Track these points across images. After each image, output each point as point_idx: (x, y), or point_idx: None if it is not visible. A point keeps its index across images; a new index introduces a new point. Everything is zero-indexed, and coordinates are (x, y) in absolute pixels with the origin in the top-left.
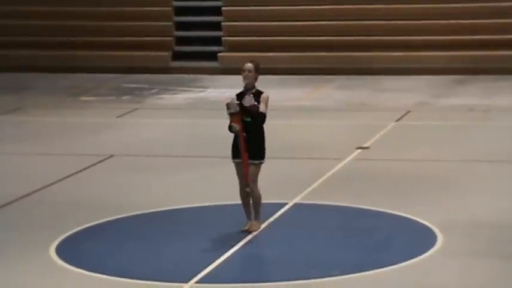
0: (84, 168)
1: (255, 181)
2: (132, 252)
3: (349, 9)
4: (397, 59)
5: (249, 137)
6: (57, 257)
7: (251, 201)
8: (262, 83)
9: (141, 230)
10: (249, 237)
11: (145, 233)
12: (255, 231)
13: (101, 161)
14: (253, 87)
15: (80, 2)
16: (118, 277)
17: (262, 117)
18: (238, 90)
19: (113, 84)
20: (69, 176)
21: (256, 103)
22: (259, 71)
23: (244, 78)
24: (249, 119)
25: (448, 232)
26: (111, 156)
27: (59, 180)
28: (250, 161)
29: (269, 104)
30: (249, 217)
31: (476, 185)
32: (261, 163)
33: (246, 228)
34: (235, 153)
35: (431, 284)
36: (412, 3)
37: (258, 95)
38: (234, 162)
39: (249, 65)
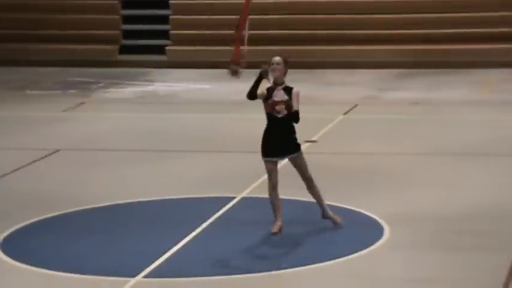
0: (30, 163)
1: (310, 174)
2: (79, 247)
3: (295, 3)
4: (344, 53)
5: (283, 131)
6: (1, 252)
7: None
8: (213, 76)
9: (89, 225)
10: (198, 230)
11: (93, 228)
12: (339, 222)
13: (47, 155)
14: (283, 82)
15: None
16: (66, 272)
17: (298, 115)
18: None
19: (59, 78)
20: (14, 170)
21: (288, 97)
22: (288, 64)
23: (273, 71)
24: (281, 115)
25: (395, 224)
26: (58, 150)
27: (4, 175)
28: (293, 155)
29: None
30: (277, 217)
31: (422, 178)
32: (302, 153)
33: (275, 230)
34: (268, 151)
35: (378, 275)
36: None
37: (288, 90)
38: (269, 161)
39: (277, 58)
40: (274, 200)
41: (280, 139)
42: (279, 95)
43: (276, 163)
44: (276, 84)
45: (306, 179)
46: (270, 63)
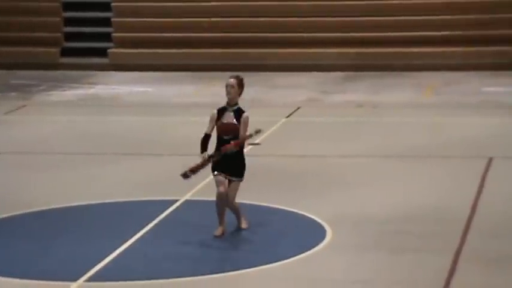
0: None
1: (234, 199)
2: (19, 251)
3: (240, 6)
4: (289, 55)
5: (228, 155)
6: None
7: (229, 211)
8: (156, 79)
9: (29, 229)
10: (141, 233)
11: (33, 232)
12: (247, 227)
13: None
14: (236, 103)
15: None
16: (5, 277)
17: (243, 143)
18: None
19: (0, 80)
20: None
21: (235, 121)
22: (243, 86)
23: (227, 93)
24: (228, 137)
25: (337, 226)
26: None
27: None
28: (229, 178)
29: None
30: (220, 222)
31: (365, 180)
32: (240, 181)
33: (218, 233)
34: (218, 167)
35: (320, 278)
36: (301, 1)
37: (239, 113)
38: (214, 174)
39: (232, 81)
40: (218, 207)
41: (223, 159)
42: (228, 117)
43: (223, 176)
44: (229, 105)
45: (230, 204)
46: (225, 86)
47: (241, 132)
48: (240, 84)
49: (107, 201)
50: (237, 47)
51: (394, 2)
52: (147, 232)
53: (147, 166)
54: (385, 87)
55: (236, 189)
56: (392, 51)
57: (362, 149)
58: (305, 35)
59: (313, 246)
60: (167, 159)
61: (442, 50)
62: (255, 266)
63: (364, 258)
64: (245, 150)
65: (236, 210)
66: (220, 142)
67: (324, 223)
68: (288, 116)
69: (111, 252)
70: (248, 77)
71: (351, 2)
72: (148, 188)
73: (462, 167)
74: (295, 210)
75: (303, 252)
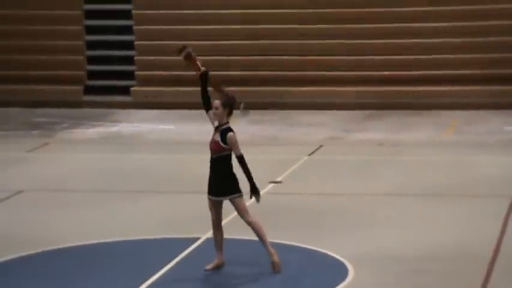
0: None
1: (246, 212)
2: None
3: (260, 44)
4: (310, 93)
5: (216, 174)
6: None
7: (258, 235)
8: (178, 117)
9: (50, 267)
10: (160, 273)
11: (53, 271)
12: (277, 268)
13: (10, 197)
14: (225, 123)
15: None
16: None
17: (240, 159)
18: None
19: (23, 118)
20: None
21: (220, 140)
22: (229, 105)
23: (214, 115)
24: (215, 156)
25: (358, 265)
26: (21, 191)
27: None
28: (221, 198)
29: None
30: (218, 255)
31: (386, 219)
32: (240, 196)
33: (210, 267)
34: (210, 189)
35: None
36: (323, 39)
37: (223, 133)
38: (208, 198)
39: (216, 102)
40: (214, 237)
41: (212, 179)
42: (216, 136)
43: (214, 201)
44: (220, 125)
45: (246, 223)
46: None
47: (235, 153)
48: (226, 104)
49: (127, 239)
50: (257, 85)
51: (414, 40)
52: (167, 271)
53: (168, 204)
54: (405, 125)
55: (240, 205)
56: (413, 89)
57: (383, 188)
58: (325, 73)
59: (335, 285)
60: (188, 197)
61: (462, 89)
62: None
63: None
64: (267, 188)
65: (258, 230)
66: (210, 160)
67: (345, 261)
68: (310, 154)
69: None
70: (269, 115)
71: (371, 41)
72: (169, 225)
73: (483, 206)
74: (317, 249)
75: None
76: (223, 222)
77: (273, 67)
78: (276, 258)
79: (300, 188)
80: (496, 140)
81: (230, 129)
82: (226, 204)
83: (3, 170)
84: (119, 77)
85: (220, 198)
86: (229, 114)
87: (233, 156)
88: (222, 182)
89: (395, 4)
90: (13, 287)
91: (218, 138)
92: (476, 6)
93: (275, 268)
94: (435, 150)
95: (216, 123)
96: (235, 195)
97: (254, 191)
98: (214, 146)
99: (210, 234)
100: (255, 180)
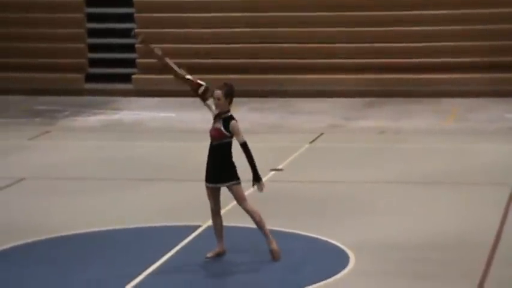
0: None
1: (244, 200)
2: (42, 278)
3: (262, 32)
4: (311, 81)
5: (215, 161)
6: None
7: (256, 222)
8: (179, 105)
9: (50, 255)
10: (161, 261)
11: (54, 258)
12: (276, 256)
13: (11, 184)
14: (227, 111)
15: None
16: None
17: (245, 146)
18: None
19: (25, 106)
20: None
21: (222, 127)
22: (231, 95)
23: (216, 106)
24: (216, 143)
25: (360, 253)
26: (22, 179)
27: None
28: (220, 185)
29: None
30: (218, 243)
31: (387, 206)
32: (238, 183)
33: (211, 254)
34: (208, 176)
35: None
36: (323, 27)
37: (227, 120)
38: (206, 186)
39: (218, 92)
40: (213, 225)
41: (210, 166)
42: (217, 124)
43: (212, 189)
44: (221, 113)
45: (244, 210)
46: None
47: (238, 140)
48: (228, 94)
49: (128, 227)
50: (257, 73)
51: (415, 28)
52: (168, 259)
53: (170, 192)
54: (405, 113)
55: (239, 193)
56: (414, 77)
57: (384, 175)
58: (325, 61)
59: (336, 273)
60: (189, 184)
61: (463, 76)
62: None
63: (386, 285)
64: (268, 176)
65: (256, 217)
66: (210, 147)
67: (346, 249)
68: (312, 142)
69: (132, 279)
70: (269, 103)
71: (372, 29)
72: (170, 213)
73: (484, 193)
74: (318, 236)
75: (325, 278)
76: (223, 211)
77: (273, 55)
78: (274, 246)
79: (301, 175)
80: (496, 128)
81: (233, 117)
82: (226, 193)
83: (5, 158)
84: (120, 65)
85: (218, 185)
86: (230, 103)
87: (233, 145)
88: (221, 168)
89: None
90: (14, 275)
91: (220, 125)
92: None
93: (274, 256)
94: (435, 138)
95: (216, 112)
96: (234, 182)
97: (257, 179)
98: (215, 133)
99: (210, 222)
100: (258, 168)
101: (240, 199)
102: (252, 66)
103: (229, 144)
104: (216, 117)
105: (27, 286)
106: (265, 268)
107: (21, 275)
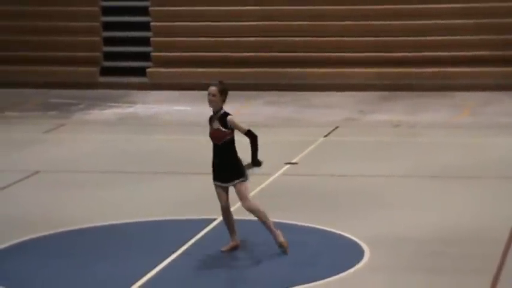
0: (10, 185)
1: (246, 199)
2: (56, 270)
3: (275, 26)
4: (326, 75)
5: (221, 160)
6: None
7: (260, 219)
8: (194, 98)
9: (66, 248)
10: (177, 253)
11: (70, 251)
12: (285, 248)
13: (27, 177)
14: (220, 109)
15: (4, 17)
16: None
17: (249, 133)
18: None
19: (40, 99)
20: None
21: (220, 127)
22: (226, 92)
23: (209, 102)
24: (220, 143)
25: (375, 247)
26: (37, 172)
27: None
28: (227, 184)
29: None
30: (232, 237)
31: (402, 200)
32: (244, 180)
33: (225, 248)
34: (215, 175)
35: None
36: (338, 21)
37: (222, 118)
38: (214, 184)
39: (212, 89)
40: (225, 221)
41: (217, 166)
42: (215, 124)
43: (221, 187)
44: (215, 112)
45: (245, 208)
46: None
47: (242, 131)
48: (222, 91)
49: (144, 219)
50: (272, 67)
51: (430, 22)
52: (184, 251)
53: (185, 185)
54: (421, 107)
55: (243, 190)
56: (429, 71)
57: (399, 169)
58: (341, 54)
59: (350, 267)
60: (204, 178)
61: (479, 70)
62: (292, 286)
63: (402, 279)
64: (283, 169)
65: (258, 214)
66: (213, 147)
67: (360, 243)
68: (326, 136)
69: (148, 272)
70: (284, 97)
71: (388, 22)
72: (186, 206)
73: (499, 188)
74: (332, 230)
75: (339, 272)
76: (235, 206)
77: (287, 48)
78: (281, 238)
79: (315, 169)
80: (510, 122)
81: (228, 113)
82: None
83: (20, 151)
84: (135, 58)
85: (229, 184)
86: (224, 101)
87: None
88: (229, 167)
89: None
90: (30, 267)
91: (218, 125)
92: None
93: (285, 249)
94: (450, 132)
95: (211, 113)
96: (240, 180)
97: (255, 163)
98: (216, 134)
99: None
100: (263, 159)
101: (242, 198)
102: (266, 60)
103: (233, 141)
104: (212, 119)
105: (45, 278)
106: (279, 261)
107: (39, 267)
